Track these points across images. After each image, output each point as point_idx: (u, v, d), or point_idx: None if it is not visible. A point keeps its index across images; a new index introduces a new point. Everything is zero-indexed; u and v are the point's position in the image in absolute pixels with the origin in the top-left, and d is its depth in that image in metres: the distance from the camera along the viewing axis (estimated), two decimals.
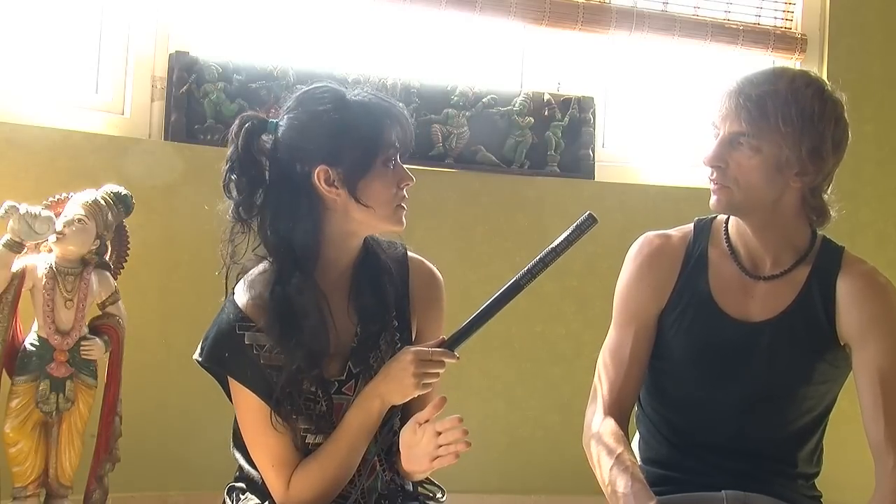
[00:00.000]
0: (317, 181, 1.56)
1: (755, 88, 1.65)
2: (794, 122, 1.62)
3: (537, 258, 1.59)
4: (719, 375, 1.74)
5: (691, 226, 1.83)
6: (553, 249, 1.59)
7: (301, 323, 1.55)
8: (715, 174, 1.70)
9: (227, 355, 1.57)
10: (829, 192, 1.73)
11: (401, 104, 1.64)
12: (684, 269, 1.78)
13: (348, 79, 2.97)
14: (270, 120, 1.61)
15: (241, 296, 1.59)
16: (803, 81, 1.66)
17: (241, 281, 1.60)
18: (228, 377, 1.59)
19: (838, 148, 1.68)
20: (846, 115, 1.69)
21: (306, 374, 1.56)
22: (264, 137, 1.60)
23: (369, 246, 1.68)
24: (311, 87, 1.63)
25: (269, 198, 1.58)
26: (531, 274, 1.58)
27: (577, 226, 1.60)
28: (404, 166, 1.62)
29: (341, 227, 1.60)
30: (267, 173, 1.59)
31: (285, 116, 1.61)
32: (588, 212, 1.60)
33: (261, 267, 1.61)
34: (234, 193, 1.58)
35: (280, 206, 1.57)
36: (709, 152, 1.69)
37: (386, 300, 1.66)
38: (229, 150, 1.59)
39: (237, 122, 1.60)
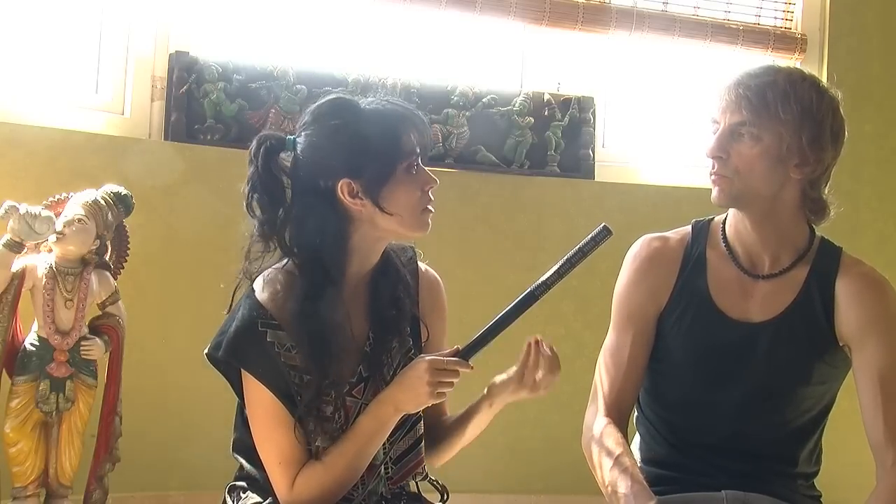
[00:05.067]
0: (341, 195, 1.57)
1: (754, 80, 1.67)
2: (794, 111, 1.64)
3: (553, 270, 1.60)
4: (719, 376, 1.74)
5: (689, 227, 1.83)
6: (568, 260, 1.60)
7: (332, 338, 1.56)
8: (716, 166, 1.71)
9: (247, 350, 1.57)
10: (826, 190, 1.73)
11: (415, 107, 1.66)
12: (683, 271, 1.78)
13: (348, 78, 2.98)
14: (288, 137, 1.61)
15: (262, 293, 1.58)
16: (799, 75, 1.70)
17: (260, 279, 1.60)
18: (244, 372, 1.59)
19: (837, 139, 1.69)
20: (842, 110, 1.70)
21: (333, 387, 1.57)
22: (283, 155, 1.61)
23: (387, 253, 1.69)
24: (324, 100, 1.64)
25: (294, 213, 1.59)
26: (546, 285, 1.60)
27: (591, 237, 1.60)
28: (427, 169, 1.63)
29: (368, 236, 1.61)
30: (288, 191, 1.60)
31: (302, 133, 1.61)
32: (603, 224, 1.61)
33: (279, 266, 1.61)
34: (258, 212, 1.59)
35: (306, 220, 1.58)
36: (711, 144, 1.70)
37: (403, 310, 1.67)
38: (249, 171, 1.60)
39: (255, 142, 1.61)
